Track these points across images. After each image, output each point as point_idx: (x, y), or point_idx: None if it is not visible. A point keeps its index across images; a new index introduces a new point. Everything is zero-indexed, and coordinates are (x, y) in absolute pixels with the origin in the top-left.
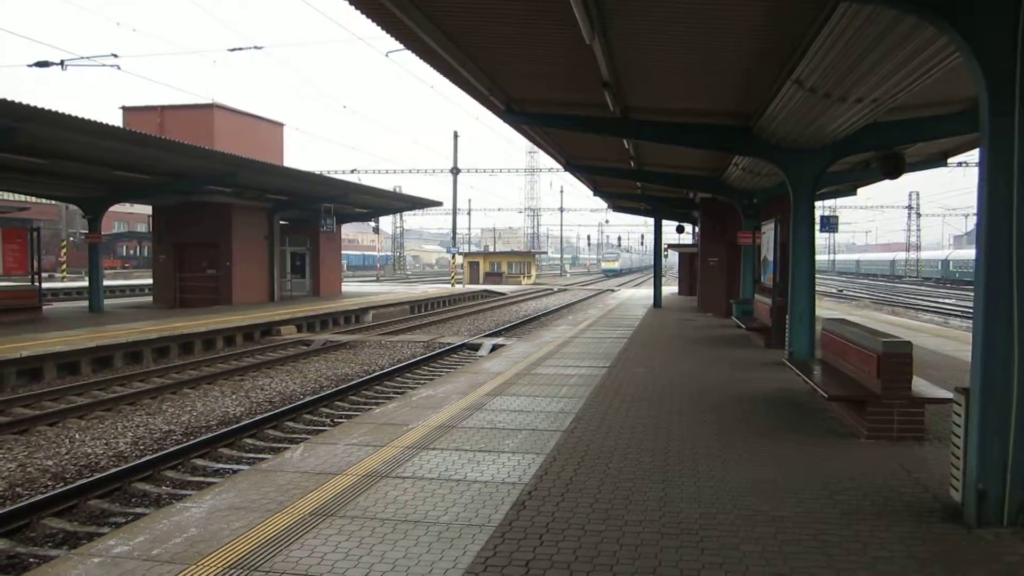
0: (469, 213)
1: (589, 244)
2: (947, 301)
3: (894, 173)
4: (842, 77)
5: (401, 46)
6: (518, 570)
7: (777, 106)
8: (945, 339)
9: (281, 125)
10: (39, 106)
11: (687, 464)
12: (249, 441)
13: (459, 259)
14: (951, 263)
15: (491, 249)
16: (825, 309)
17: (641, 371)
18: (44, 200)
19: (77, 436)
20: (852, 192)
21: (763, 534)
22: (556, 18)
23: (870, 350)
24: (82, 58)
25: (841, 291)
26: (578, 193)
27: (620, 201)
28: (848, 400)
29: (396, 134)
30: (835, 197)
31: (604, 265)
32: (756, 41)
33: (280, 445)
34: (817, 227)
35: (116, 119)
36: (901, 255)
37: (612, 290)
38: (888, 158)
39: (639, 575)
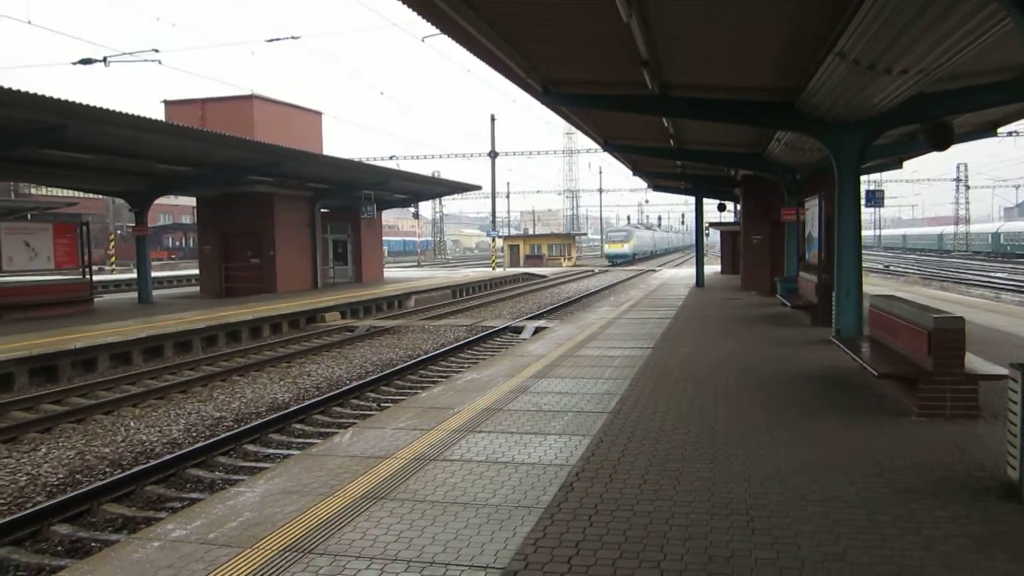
0: (508, 196)
1: (629, 224)
2: (998, 275)
3: (942, 145)
4: (886, 48)
5: (437, 31)
6: (569, 551)
7: (819, 80)
8: (997, 314)
9: (320, 114)
10: (85, 102)
11: (735, 444)
12: (298, 426)
13: (499, 242)
14: (1002, 236)
15: (530, 232)
16: (872, 285)
17: (686, 351)
18: (92, 195)
19: (132, 424)
20: (898, 165)
21: (814, 514)
22: None
23: (920, 326)
24: (124, 54)
25: (888, 267)
26: (617, 173)
27: (660, 180)
28: (898, 378)
29: (433, 119)
30: (880, 171)
31: (608, 249)
32: (796, 13)
33: (329, 430)
34: (863, 202)
35: (158, 113)
36: (949, 229)
37: (653, 270)
38: (935, 129)
39: (690, 555)
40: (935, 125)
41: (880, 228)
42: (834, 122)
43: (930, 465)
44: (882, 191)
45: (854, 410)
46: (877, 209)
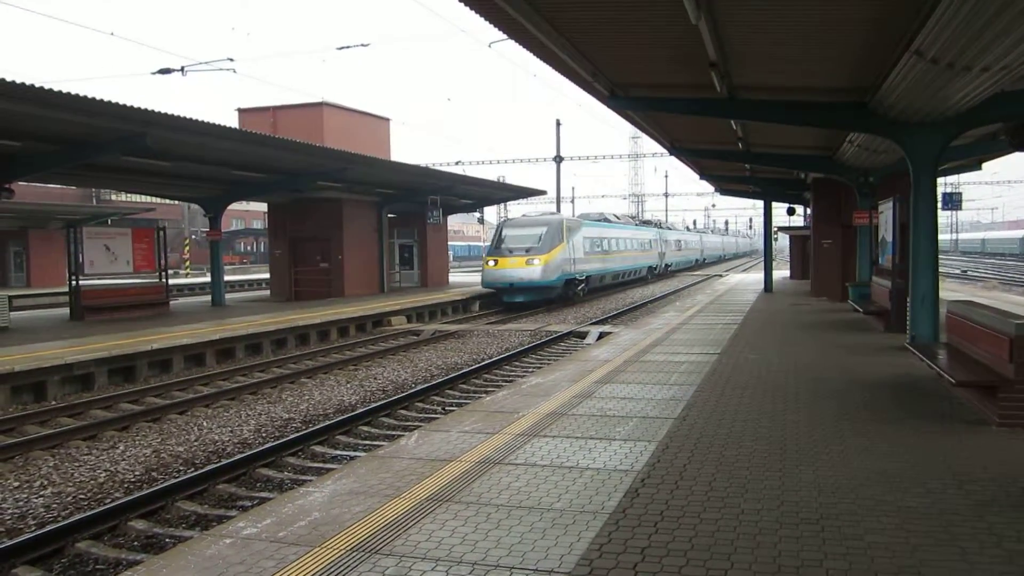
0: (573, 201)
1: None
2: None
3: None
4: (966, 45)
5: (504, 36)
6: (633, 557)
7: (894, 80)
8: None
9: (387, 120)
10: (163, 111)
11: (805, 452)
12: (364, 428)
13: None
14: None
15: None
16: (948, 291)
17: (754, 357)
18: (169, 201)
19: (204, 424)
20: (977, 167)
21: (888, 525)
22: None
23: (1001, 333)
24: (200, 63)
25: (965, 272)
26: (684, 177)
27: (727, 184)
28: (977, 386)
29: (499, 124)
30: (958, 172)
31: (488, 271)
32: (871, 11)
33: (394, 432)
34: (939, 205)
35: (232, 121)
36: None
37: (720, 275)
38: (1018, 129)
39: (759, 564)
40: (1017, 125)
41: (957, 232)
42: (910, 123)
43: (1011, 477)
44: (960, 194)
45: (930, 419)
46: (954, 212)
